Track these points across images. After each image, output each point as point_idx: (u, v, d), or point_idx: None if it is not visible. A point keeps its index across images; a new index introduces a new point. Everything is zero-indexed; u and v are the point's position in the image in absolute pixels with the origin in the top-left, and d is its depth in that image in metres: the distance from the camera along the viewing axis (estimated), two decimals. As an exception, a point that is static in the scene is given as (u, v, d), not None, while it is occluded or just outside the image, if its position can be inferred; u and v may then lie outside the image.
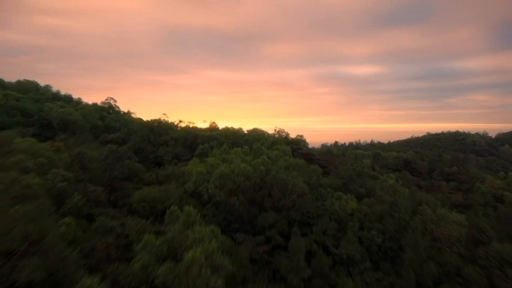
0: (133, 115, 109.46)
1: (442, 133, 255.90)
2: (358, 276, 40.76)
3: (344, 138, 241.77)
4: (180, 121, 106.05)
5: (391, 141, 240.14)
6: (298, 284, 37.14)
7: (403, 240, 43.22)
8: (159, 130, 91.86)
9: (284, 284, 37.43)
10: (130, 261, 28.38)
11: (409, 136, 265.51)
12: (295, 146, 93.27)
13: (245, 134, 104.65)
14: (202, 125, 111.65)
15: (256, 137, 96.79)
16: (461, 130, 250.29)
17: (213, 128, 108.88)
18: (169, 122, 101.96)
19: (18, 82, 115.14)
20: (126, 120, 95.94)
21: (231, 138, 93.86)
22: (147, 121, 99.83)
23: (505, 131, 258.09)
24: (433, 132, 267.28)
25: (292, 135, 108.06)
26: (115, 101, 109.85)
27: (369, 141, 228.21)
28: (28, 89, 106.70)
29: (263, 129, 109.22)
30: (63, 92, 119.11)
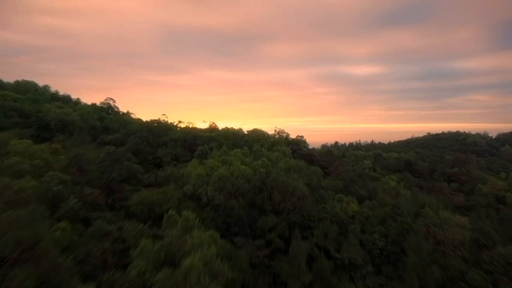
0: (132, 115, 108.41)
1: (443, 133, 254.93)
2: (360, 281, 39.99)
3: (344, 139, 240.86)
4: (180, 122, 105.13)
5: (392, 141, 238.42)
6: (299, 289, 36.29)
7: (405, 244, 42.58)
8: (159, 131, 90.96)
9: (285, 289, 36.63)
10: (127, 268, 27.55)
11: (409, 136, 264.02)
12: (296, 147, 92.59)
13: (245, 134, 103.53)
14: (202, 125, 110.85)
15: (256, 138, 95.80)
16: (461, 130, 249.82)
17: (212, 129, 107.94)
18: (169, 122, 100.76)
19: (17, 82, 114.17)
20: (125, 121, 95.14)
21: (231, 139, 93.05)
22: (147, 122, 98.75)
23: (505, 131, 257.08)
24: (434, 132, 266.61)
25: (293, 136, 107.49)
26: (114, 101, 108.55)
27: (369, 141, 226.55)
28: (26, 90, 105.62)
29: (263, 129, 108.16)
30: (62, 92, 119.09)
